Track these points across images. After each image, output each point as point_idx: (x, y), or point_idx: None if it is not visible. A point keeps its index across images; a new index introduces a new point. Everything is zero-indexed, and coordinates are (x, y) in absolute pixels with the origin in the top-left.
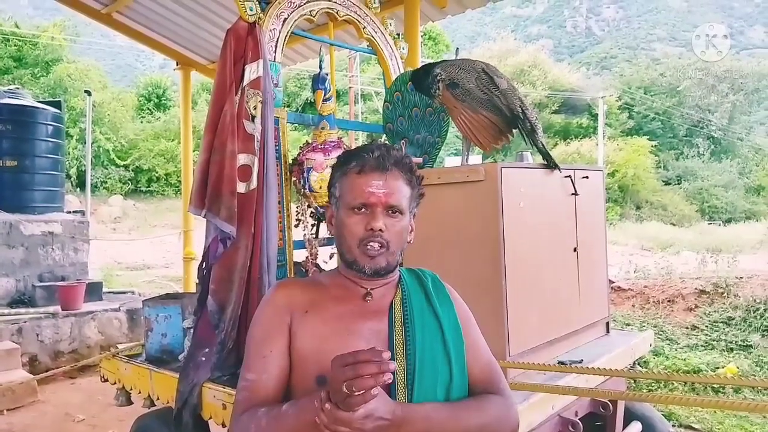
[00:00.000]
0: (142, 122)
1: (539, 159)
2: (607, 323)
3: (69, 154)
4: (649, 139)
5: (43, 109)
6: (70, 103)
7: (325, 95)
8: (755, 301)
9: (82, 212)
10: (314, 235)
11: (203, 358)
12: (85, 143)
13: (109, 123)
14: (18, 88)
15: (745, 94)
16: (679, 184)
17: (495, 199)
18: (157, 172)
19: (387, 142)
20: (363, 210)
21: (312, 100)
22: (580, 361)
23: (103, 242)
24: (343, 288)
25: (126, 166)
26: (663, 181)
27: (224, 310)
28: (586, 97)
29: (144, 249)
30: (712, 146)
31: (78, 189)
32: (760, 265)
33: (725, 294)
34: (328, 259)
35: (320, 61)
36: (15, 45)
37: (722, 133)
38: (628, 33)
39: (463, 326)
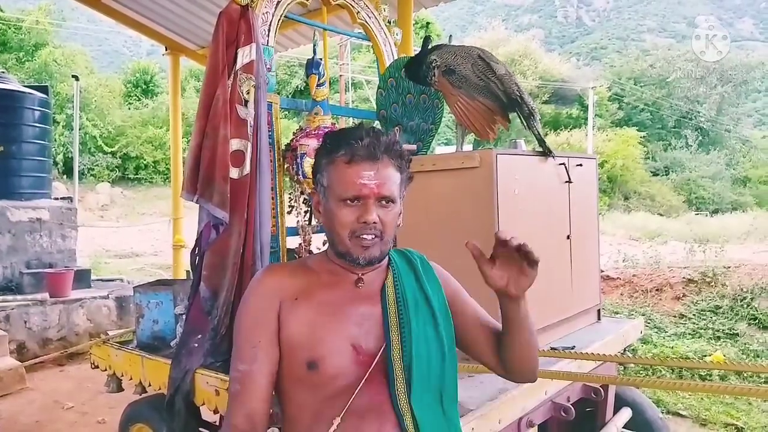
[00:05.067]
0: (129, 109)
1: (534, 146)
2: (599, 310)
3: (56, 140)
4: (638, 130)
5: (30, 94)
6: (56, 89)
7: (318, 80)
8: (742, 290)
9: (70, 199)
10: (307, 222)
11: (196, 345)
12: (71, 129)
13: (96, 109)
14: (4, 73)
15: (734, 85)
16: (667, 174)
17: (490, 186)
18: (145, 160)
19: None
20: (355, 202)
21: (302, 88)
22: (573, 348)
23: (91, 230)
24: (334, 274)
25: (113, 153)
26: (651, 172)
27: (217, 296)
28: (577, 87)
29: (132, 236)
30: (700, 137)
31: (65, 176)
32: (746, 255)
33: (713, 283)
34: (321, 245)
35: (314, 46)
36: None
37: (710, 124)
38: (618, 24)
39: (456, 298)
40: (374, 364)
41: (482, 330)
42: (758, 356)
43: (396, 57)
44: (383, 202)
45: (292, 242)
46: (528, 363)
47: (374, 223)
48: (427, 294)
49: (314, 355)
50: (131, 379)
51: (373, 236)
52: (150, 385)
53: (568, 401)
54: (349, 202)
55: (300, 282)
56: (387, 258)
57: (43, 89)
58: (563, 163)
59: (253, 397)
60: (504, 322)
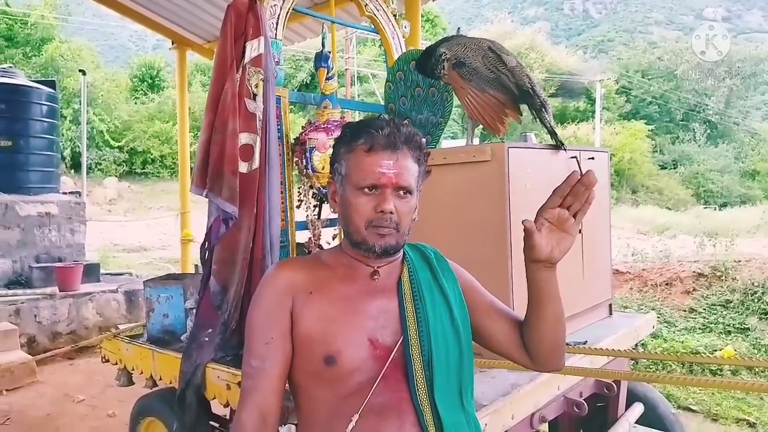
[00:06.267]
0: (136, 103)
1: (546, 139)
2: (610, 305)
3: (63, 135)
4: (645, 123)
5: (38, 88)
6: (62, 84)
7: (327, 74)
8: (753, 284)
9: (78, 193)
10: (317, 216)
11: (206, 339)
12: (78, 124)
13: (103, 104)
14: (11, 67)
15: (742, 78)
16: (675, 168)
17: (502, 180)
18: (151, 154)
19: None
20: (372, 191)
21: (308, 81)
22: (585, 343)
23: (99, 224)
24: (349, 267)
25: (120, 148)
26: (659, 166)
27: (227, 290)
28: (584, 80)
29: (140, 231)
30: (709, 131)
31: (72, 170)
32: (757, 249)
33: (723, 277)
34: (331, 240)
35: (322, 39)
36: (6, 24)
37: (719, 117)
38: (626, 16)
39: (470, 289)
40: (391, 359)
41: (500, 319)
42: None
43: (404, 50)
44: (400, 193)
45: (302, 237)
46: (558, 343)
47: (391, 213)
48: (442, 287)
49: (331, 350)
50: (142, 373)
51: (389, 227)
52: (161, 379)
53: (581, 396)
54: (366, 190)
55: (314, 276)
56: (402, 252)
57: (51, 84)
58: (575, 157)
59: (265, 393)
60: (536, 297)
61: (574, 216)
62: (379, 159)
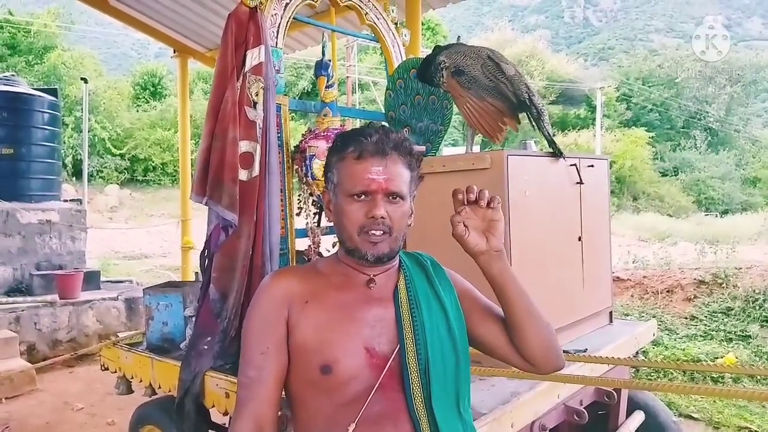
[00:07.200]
0: (138, 111)
1: (544, 147)
2: (611, 313)
3: (65, 142)
4: (646, 131)
5: (40, 96)
6: (65, 92)
7: (327, 82)
8: (754, 291)
9: (80, 201)
10: (316, 224)
11: (205, 347)
12: (80, 132)
13: (105, 111)
14: (14, 75)
15: (743, 85)
16: (676, 175)
17: (501, 188)
18: (153, 162)
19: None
20: (363, 197)
21: (309, 89)
22: (585, 350)
23: (100, 231)
24: (345, 275)
25: (122, 155)
26: (660, 173)
27: (226, 298)
28: (584, 88)
29: (141, 238)
30: (709, 138)
31: (74, 178)
32: (758, 256)
33: (724, 284)
34: (330, 247)
35: (323, 47)
36: (9, 32)
37: (719, 124)
38: (626, 24)
39: (466, 294)
40: (387, 367)
41: (498, 326)
42: None
43: (404, 58)
44: (391, 198)
45: (301, 244)
46: (546, 342)
47: (382, 218)
48: (439, 295)
49: (328, 359)
50: (141, 381)
51: (382, 232)
52: (160, 387)
53: (581, 404)
54: (357, 197)
55: (310, 285)
56: (398, 260)
57: (53, 92)
58: (574, 164)
59: (261, 403)
60: (500, 296)
61: (488, 204)
62: (368, 165)
